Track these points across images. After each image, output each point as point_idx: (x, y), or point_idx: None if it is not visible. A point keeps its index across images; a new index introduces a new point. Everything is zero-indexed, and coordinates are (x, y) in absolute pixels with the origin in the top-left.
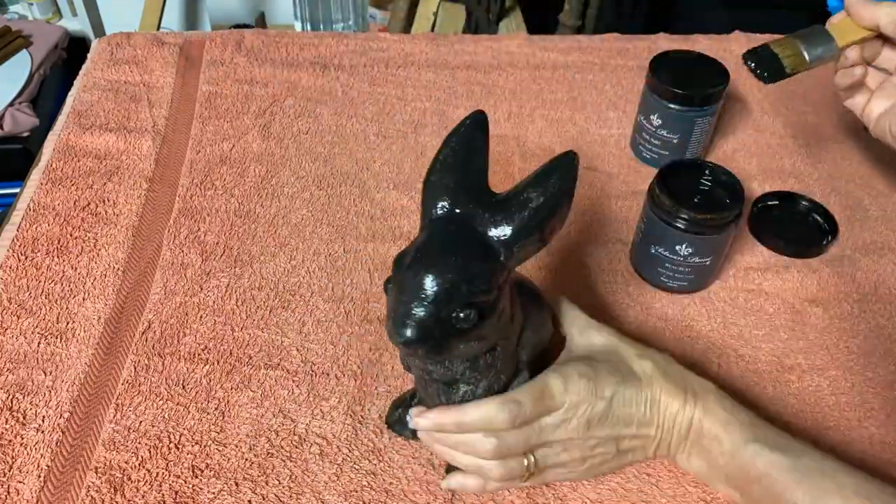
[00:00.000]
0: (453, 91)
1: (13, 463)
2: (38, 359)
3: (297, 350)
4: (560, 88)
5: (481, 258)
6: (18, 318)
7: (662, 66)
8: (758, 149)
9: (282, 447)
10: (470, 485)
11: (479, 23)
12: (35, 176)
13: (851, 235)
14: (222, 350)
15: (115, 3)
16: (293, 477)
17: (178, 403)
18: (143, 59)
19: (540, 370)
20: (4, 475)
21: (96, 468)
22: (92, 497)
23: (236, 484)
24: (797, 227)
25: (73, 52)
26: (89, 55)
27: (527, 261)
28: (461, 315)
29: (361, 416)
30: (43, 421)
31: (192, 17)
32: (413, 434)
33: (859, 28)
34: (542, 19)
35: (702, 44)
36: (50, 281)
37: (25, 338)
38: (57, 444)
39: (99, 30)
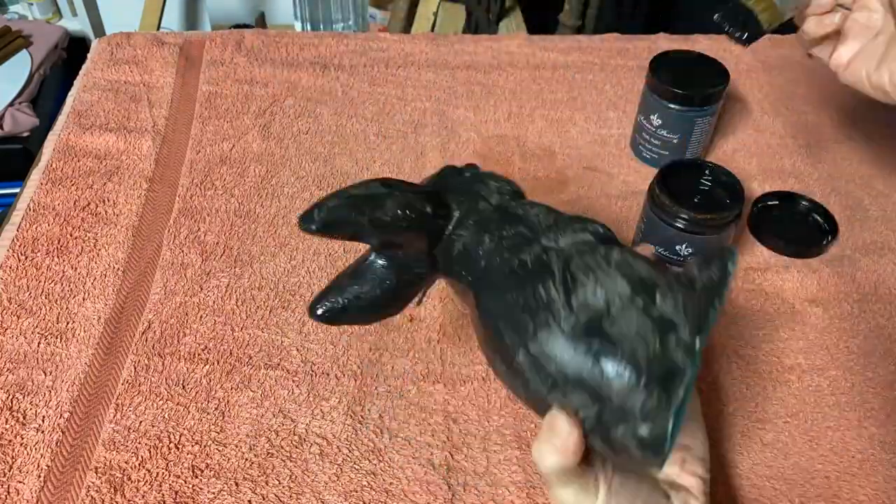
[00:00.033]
0: (453, 91)
1: (13, 463)
2: (38, 359)
3: (297, 350)
4: (560, 88)
5: None
6: (18, 318)
7: (662, 66)
8: (758, 149)
9: (282, 447)
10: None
11: (479, 23)
12: (35, 176)
13: (851, 235)
14: (222, 350)
15: (115, 3)
16: (293, 477)
17: (178, 403)
18: (143, 59)
19: None
20: (4, 475)
21: (96, 468)
22: (92, 497)
23: (236, 484)
24: (797, 227)
25: (73, 52)
26: (89, 55)
27: None
28: None
29: (361, 416)
30: (43, 421)
31: (192, 17)
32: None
33: None
34: (542, 19)
35: (702, 44)
36: (50, 281)
37: (25, 338)
38: (57, 444)
39: (99, 30)
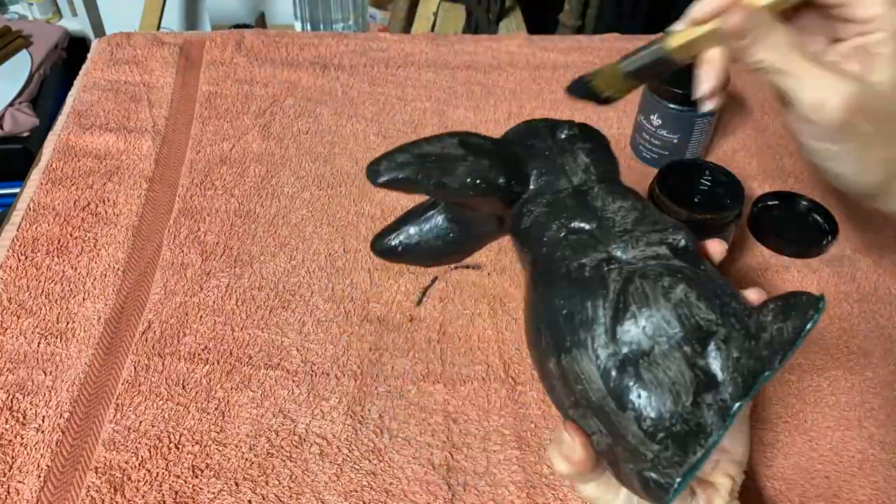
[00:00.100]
0: (453, 91)
1: (13, 463)
2: (38, 359)
3: (297, 350)
4: (560, 88)
5: None
6: (18, 318)
7: None
8: (758, 149)
9: (282, 447)
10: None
11: (479, 23)
12: (35, 176)
13: (851, 235)
14: (222, 350)
15: (115, 3)
16: (293, 477)
17: (178, 403)
18: (143, 59)
19: None
20: (4, 475)
21: (96, 468)
22: (92, 497)
23: (236, 484)
24: (797, 227)
25: (73, 52)
26: (89, 55)
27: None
28: None
29: (361, 416)
30: (43, 421)
31: (192, 17)
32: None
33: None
34: (542, 19)
35: None
36: (50, 281)
37: (25, 338)
38: (57, 444)
39: (99, 30)
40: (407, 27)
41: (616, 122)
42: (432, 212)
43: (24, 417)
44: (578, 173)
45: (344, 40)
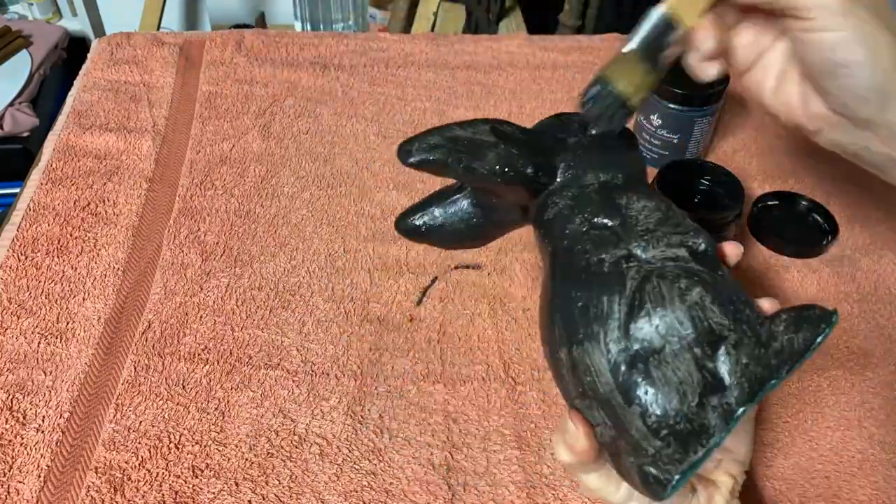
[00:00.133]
0: (453, 91)
1: (13, 463)
2: (38, 359)
3: (297, 350)
4: (560, 88)
5: None
6: (18, 318)
7: None
8: (758, 149)
9: (282, 447)
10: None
11: (479, 23)
12: (35, 176)
13: (851, 235)
14: (222, 350)
15: (115, 3)
16: (293, 477)
17: (178, 403)
18: (143, 59)
19: None
20: (4, 475)
21: (96, 468)
22: (92, 497)
23: (236, 484)
24: (797, 227)
25: (73, 52)
26: (89, 55)
27: (526, 263)
28: None
29: (361, 416)
30: (43, 421)
31: (192, 17)
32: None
33: None
34: (542, 19)
35: None
36: (50, 281)
37: (25, 338)
38: (57, 444)
39: (99, 30)
40: (407, 27)
41: None
42: (458, 195)
43: (24, 417)
44: (606, 170)
45: (344, 40)
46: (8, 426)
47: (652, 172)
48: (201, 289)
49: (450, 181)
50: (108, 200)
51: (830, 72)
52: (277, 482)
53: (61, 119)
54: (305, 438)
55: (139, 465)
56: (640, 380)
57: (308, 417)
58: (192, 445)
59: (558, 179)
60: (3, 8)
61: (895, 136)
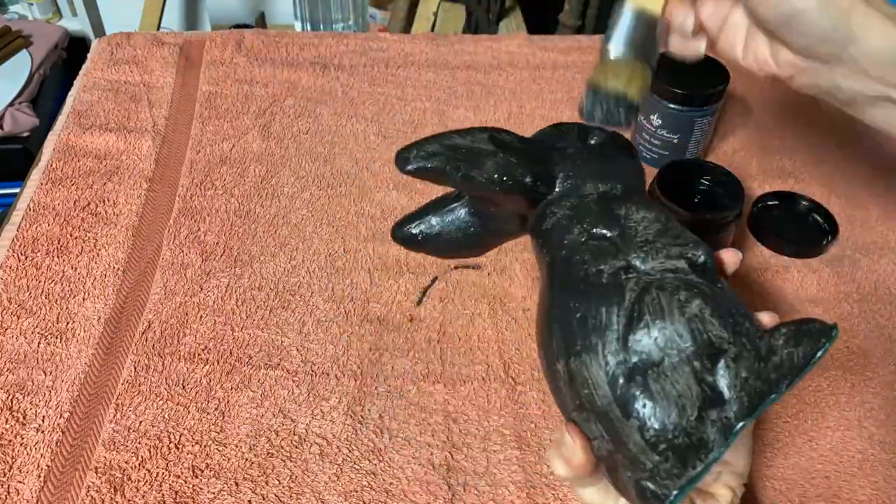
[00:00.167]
0: (453, 91)
1: (13, 463)
2: (38, 359)
3: (297, 350)
4: (560, 88)
5: None
6: (18, 318)
7: (662, 66)
8: (758, 149)
9: (282, 447)
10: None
11: (479, 23)
12: (35, 176)
13: (851, 235)
14: (222, 350)
15: (115, 3)
16: (293, 477)
17: (178, 403)
18: (143, 59)
19: None
20: (4, 475)
21: (96, 468)
22: (92, 497)
23: (236, 484)
24: (797, 227)
25: (73, 52)
26: (89, 55)
27: (526, 263)
28: None
29: (361, 416)
30: (43, 421)
31: (192, 17)
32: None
33: None
34: (542, 19)
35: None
36: (50, 281)
37: (25, 338)
38: (57, 444)
39: (99, 30)
40: (407, 27)
41: None
42: (456, 204)
43: (24, 417)
44: (605, 180)
45: (344, 40)
46: (8, 426)
47: (652, 172)
48: (201, 289)
49: (448, 189)
50: (108, 200)
51: (785, 23)
52: (277, 482)
53: (61, 119)
54: (305, 438)
55: (139, 465)
56: (638, 393)
57: (308, 417)
58: (192, 445)
59: (557, 189)
60: (3, 8)
61: (861, 71)
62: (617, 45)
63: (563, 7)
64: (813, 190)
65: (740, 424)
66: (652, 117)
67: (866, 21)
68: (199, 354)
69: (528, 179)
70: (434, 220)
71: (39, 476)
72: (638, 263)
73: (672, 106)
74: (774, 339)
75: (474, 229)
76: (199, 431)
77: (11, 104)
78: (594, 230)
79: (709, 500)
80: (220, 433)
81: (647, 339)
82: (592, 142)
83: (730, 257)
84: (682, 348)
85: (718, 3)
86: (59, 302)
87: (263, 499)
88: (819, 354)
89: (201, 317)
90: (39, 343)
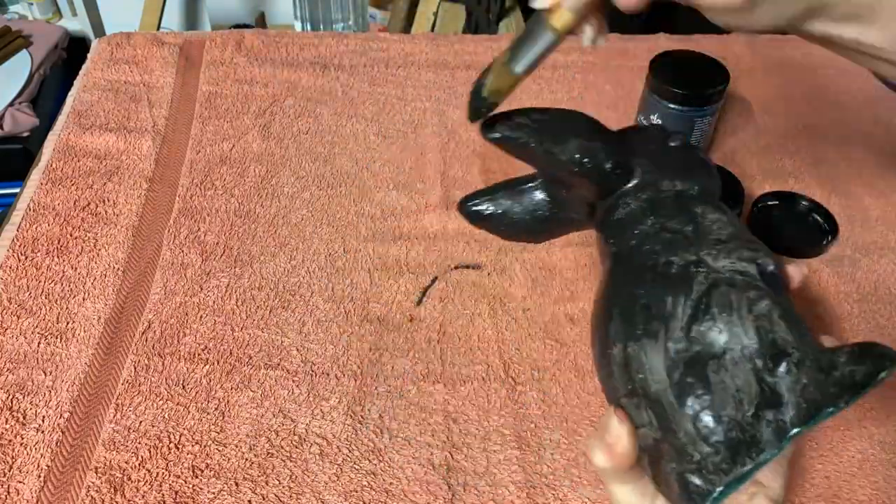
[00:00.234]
0: (453, 91)
1: (13, 463)
2: (38, 359)
3: (297, 350)
4: (560, 88)
5: None
6: (18, 318)
7: (662, 66)
8: (758, 149)
9: (282, 447)
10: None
11: (479, 23)
12: (35, 176)
13: (851, 235)
14: (222, 350)
15: (115, 3)
16: (293, 477)
17: (178, 403)
18: (143, 59)
19: None
20: (4, 475)
21: (96, 468)
22: (92, 497)
23: (236, 484)
24: (797, 227)
25: (73, 52)
26: (89, 55)
27: (526, 263)
28: None
29: (361, 416)
30: (43, 421)
31: (192, 17)
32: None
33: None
34: None
35: (702, 44)
36: (50, 281)
37: (25, 338)
38: (57, 444)
39: (99, 30)
40: (407, 27)
41: (616, 122)
42: (528, 185)
43: (24, 417)
44: (683, 180)
45: (344, 40)
46: (8, 426)
47: None
48: (201, 289)
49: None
50: (108, 200)
51: None
52: (277, 482)
53: (61, 119)
54: (305, 438)
55: (139, 465)
56: (696, 381)
57: (308, 417)
58: (192, 445)
59: (634, 181)
60: (3, 8)
61: None
62: (520, 63)
63: None
64: (813, 190)
65: (795, 430)
66: (652, 117)
67: None
68: (199, 354)
69: (608, 165)
70: (504, 199)
71: (39, 476)
72: (709, 260)
73: (672, 106)
74: (836, 356)
75: (542, 213)
76: (199, 431)
77: (11, 104)
78: (668, 223)
79: None
80: (220, 433)
81: (712, 332)
82: (672, 144)
83: (795, 271)
84: (746, 345)
85: None
86: (59, 302)
87: (263, 499)
88: (882, 376)
89: (201, 317)
90: (39, 343)
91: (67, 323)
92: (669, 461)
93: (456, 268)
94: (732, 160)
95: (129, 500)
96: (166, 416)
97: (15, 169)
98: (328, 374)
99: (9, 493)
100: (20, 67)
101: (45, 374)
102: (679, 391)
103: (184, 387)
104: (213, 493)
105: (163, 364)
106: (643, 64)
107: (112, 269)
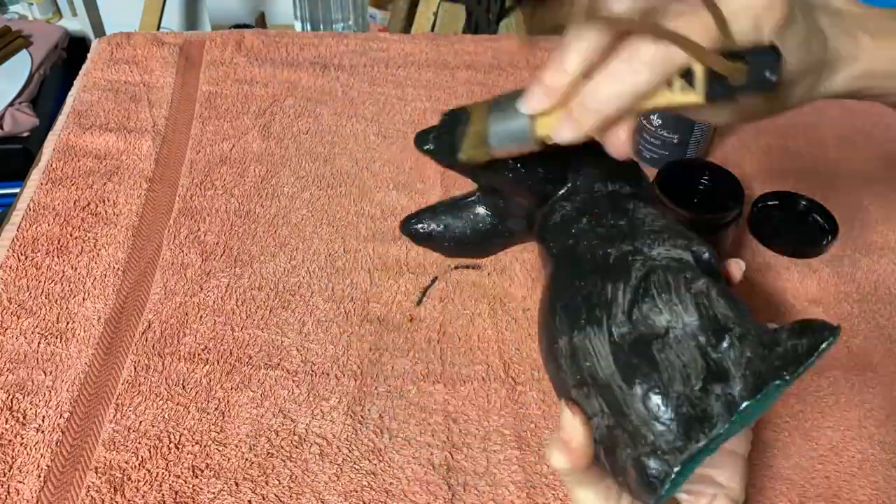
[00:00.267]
0: (453, 91)
1: (13, 463)
2: (38, 359)
3: (297, 350)
4: None
5: None
6: (18, 318)
7: None
8: (758, 149)
9: (282, 447)
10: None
11: (479, 23)
12: (35, 176)
13: (851, 235)
14: (222, 350)
15: (115, 3)
16: (293, 477)
17: (178, 403)
18: (143, 59)
19: None
20: (4, 475)
21: (96, 468)
22: (92, 497)
23: (236, 484)
24: (797, 227)
25: (73, 52)
26: (89, 55)
27: (526, 263)
28: None
29: (361, 416)
30: (43, 421)
31: (192, 17)
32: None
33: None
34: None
35: None
36: (50, 281)
37: (25, 338)
38: (57, 444)
39: (99, 30)
40: (407, 27)
41: None
42: (469, 199)
43: (24, 417)
44: (615, 181)
45: (344, 40)
46: (8, 426)
47: (652, 172)
48: (201, 289)
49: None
50: (108, 200)
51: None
52: (277, 482)
53: (61, 119)
54: (305, 438)
55: (139, 465)
56: (642, 361)
57: (308, 417)
58: (192, 445)
59: (568, 185)
60: (3, 8)
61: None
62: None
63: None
64: (813, 190)
65: (745, 403)
66: (652, 117)
67: None
68: (199, 354)
69: (540, 170)
70: (444, 216)
71: (39, 476)
72: (645, 249)
73: None
74: (778, 334)
75: (483, 226)
76: (199, 431)
77: (11, 104)
78: (603, 219)
79: None
80: (220, 433)
81: (653, 312)
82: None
83: (734, 268)
84: (688, 322)
85: None
86: (59, 302)
87: (263, 499)
88: (823, 347)
89: (201, 317)
90: (39, 343)
91: (67, 323)
92: (624, 447)
93: (456, 268)
94: (732, 160)
95: (129, 500)
96: (166, 416)
97: (15, 169)
98: (328, 374)
99: (9, 493)
100: (20, 67)
101: (45, 374)
102: (626, 373)
103: (184, 387)
104: (213, 493)
105: (163, 364)
106: None
107: (112, 269)
